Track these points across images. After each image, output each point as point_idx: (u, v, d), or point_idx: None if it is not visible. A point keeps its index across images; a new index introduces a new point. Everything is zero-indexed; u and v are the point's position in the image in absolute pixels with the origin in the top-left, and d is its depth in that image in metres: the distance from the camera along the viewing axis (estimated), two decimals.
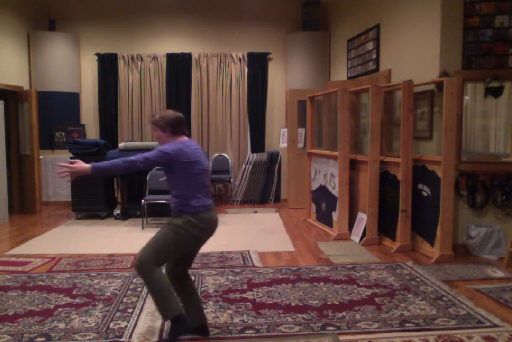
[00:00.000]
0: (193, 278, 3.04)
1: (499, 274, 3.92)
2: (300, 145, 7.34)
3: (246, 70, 7.83)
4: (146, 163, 2.58)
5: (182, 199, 2.63)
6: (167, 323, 2.96)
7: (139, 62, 7.79)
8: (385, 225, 5.06)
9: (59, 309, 3.20)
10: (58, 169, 2.49)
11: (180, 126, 2.72)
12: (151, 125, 2.76)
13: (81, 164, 2.53)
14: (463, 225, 4.61)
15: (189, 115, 7.80)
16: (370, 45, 6.10)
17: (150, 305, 3.27)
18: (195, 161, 2.63)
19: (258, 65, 7.87)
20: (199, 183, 2.67)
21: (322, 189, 5.91)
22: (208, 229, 2.67)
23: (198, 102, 7.87)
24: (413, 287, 3.59)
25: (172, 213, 2.71)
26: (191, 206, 2.61)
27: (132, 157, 2.56)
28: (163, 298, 2.57)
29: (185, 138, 2.73)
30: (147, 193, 6.20)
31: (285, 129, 7.74)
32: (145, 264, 2.57)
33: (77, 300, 3.37)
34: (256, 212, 6.98)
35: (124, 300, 3.38)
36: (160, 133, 2.71)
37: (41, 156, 7.20)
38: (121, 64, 7.75)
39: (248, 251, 4.70)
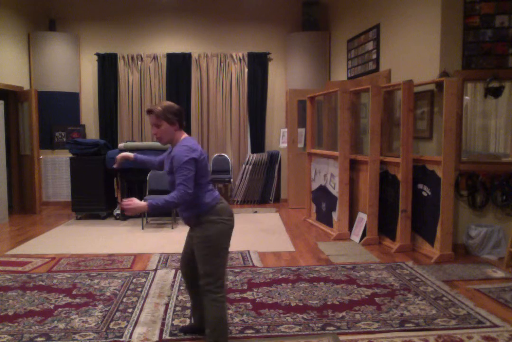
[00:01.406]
0: None
1: (499, 274, 3.92)
2: (300, 145, 7.34)
3: (246, 70, 7.83)
4: (192, 182, 2.36)
5: (195, 200, 2.43)
6: (167, 323, 2.96)
7: (139, 62, 7.79)
8: (385, 225, 5.06)
9: (59, 309, 3.20)
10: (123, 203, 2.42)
11: (183, 119, 2.55)
12: (154, 119, 2.45)
13: (136, 203, 2.36)
14: (463, 225, 4.61)
15: (189, 115, 7.81)
16: (370, 45, 6.10)
17: (150, 305, 3.27)
18: (204, 158, 2.48)
19: (258, 65, 7.87)
20: (207, 181, 2.51)
21: (322, 189, 5.91)
22: (230, 219, 2.51)
23: (198, 102, 7.87)
24: (413, 287, 3.59)
25: (188, 219, 2.53)
26: (204, 203, 2.44)
27: (181, 190, 2.33)
28: (218, 333, 2.44)
29: (186, 134, 2.56)
30: (147, 193, 6.20)
31: (285, 129, 7.74)
32: (209, 291, 2.45)
33: (77, 300, 3.37)
34: (256, 212, 6.98)
35: (124, 300, 3.38)
36: (167, 126, 2.45)
37: (41, 156, 7.20)
38: (121, 64, 7.75)
39: (248, 251, 4.70)
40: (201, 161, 2.42)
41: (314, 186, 6.22)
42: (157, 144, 6.29)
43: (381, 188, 5.02)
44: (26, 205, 7.13)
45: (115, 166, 2.88)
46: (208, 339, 2.46)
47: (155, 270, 4.09)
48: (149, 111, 2.46)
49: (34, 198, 6.95)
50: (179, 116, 2.49)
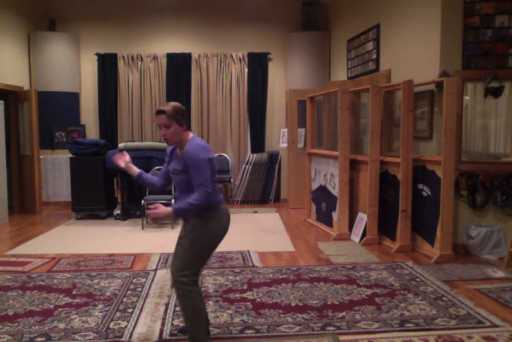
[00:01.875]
0: None
1: (499, 274, 3.92)
2: (300, 145, 7.34)
3: (246, 70, 7.83)
4: (210, 181, 2.38)
5: None
6: (167, 323, 2.97)
7: (139, 62, 7.79)
8: (385, 225, 5.06)
9: (59, 309, 3.20)
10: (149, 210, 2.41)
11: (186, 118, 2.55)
12: (165, 120, 2.40)
13: (162, 209, 2.36)
14: (463, 225, 4.61)
15: (189, 115, 7.81)
16: (370, 45, 6.09)
17: (150, 305, 3.27)
18: (213, 158, 2.49)
19: (258, 65, 7.86)
20: (215, 179, 2.51)
21: (322, 189, 5.91)
22: (229, 220, 2.55)
23: (198, 102, 7.87)
24: (413, 287, 3.59)
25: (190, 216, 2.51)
26: (213, 200, 2.45)
27: (202, 190, 2.35)
28: (196, 327, 2.46)
29: (192, 134, 2.56)
30: (147, 193, 6.20)
31: (285, 129, 7.74)
32: (182, 283, 2.41)
33: (77, 300, 3.37)
34: (256, 212, 6.98)
35: (124, 300, 3.38)
36: (177, 127, 2.42)
37: (41, 156, 7.20)
38: (121, 64, 7.76)
39: (248, 251, 4.70)
40: (214, 160, 2.46)
41: (314, 186, 6.22)
42: (157, 144, 6.29)
43: (381, 188, 5.02)
44: (26, 205, 7.13)
45: (117, 156, 2.70)
46: (189, 333, 2.50)
47: (155, 270, 4.09)
48: (160, 112, 2.41)
49: (34, 198, 6.95)
50: (186, 116, 2.49)
